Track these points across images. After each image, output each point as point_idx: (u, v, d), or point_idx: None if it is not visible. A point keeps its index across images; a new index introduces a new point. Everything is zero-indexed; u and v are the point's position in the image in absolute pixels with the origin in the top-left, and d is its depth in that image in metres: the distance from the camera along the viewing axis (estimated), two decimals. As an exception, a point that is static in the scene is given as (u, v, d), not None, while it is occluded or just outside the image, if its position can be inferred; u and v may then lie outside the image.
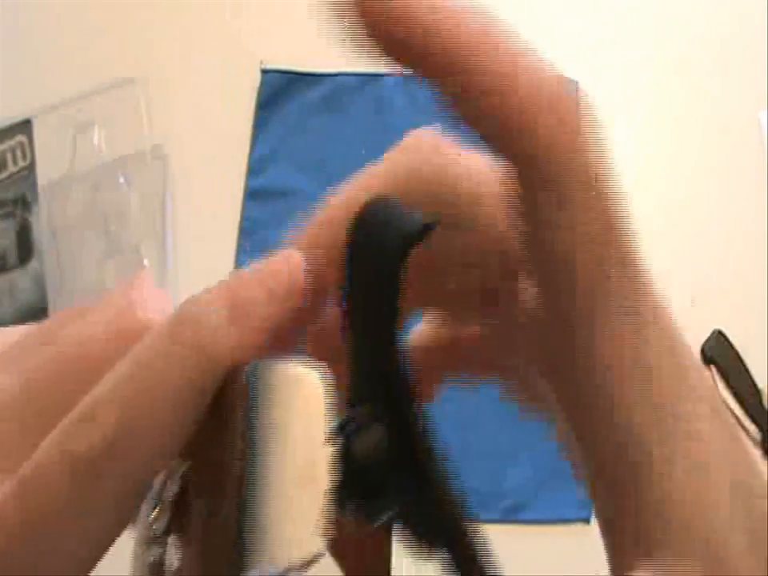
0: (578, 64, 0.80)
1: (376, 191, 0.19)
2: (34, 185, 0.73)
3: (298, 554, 0.15)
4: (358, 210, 0.18)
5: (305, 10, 0.86)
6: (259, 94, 0.80)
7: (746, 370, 0.69)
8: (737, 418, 0.68)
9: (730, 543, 0.18)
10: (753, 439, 0.68)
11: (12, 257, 0.71)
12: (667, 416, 0.18)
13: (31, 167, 0.73)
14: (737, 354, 0.69)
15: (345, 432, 0.16)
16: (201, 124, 0.80)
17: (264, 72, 0.81)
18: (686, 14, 0.83)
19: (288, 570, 0.15)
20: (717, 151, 0.78)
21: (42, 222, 0.72)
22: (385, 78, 0.80)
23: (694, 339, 0.70)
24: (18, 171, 0.74)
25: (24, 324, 0.64)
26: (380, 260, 0.16)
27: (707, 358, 0.70)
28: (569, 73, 0.75)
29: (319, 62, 0.81)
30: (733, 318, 0.71)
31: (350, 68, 0.80)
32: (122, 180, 0.76)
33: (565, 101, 0.19)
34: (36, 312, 0.69)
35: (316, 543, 0.15)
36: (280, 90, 0.80)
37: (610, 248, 0.19)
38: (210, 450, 0.17)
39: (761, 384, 0.69)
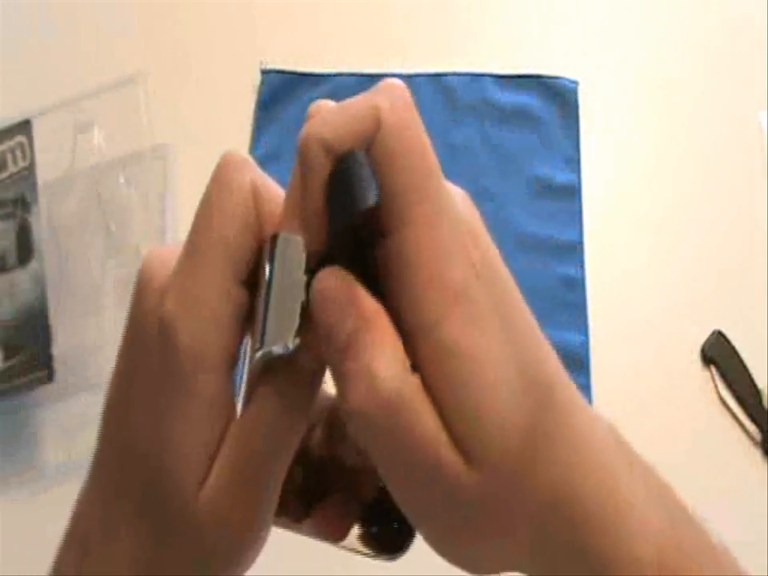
0: (578, 64, 0.80)
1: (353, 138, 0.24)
2: (34, 185, 0.73)
3: (288, 340, 0.25)
4: (334, 160, 0.25)
5: (305, 10, 0.87)
6: (259, 94, 0.80)
7: (746, 370, 0.69)
8: (737, 417, 0.68)
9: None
10: (753, 439, 0.68)
11: (12, 257, 0.71)
12: None
13: (31, 167, 0.73)
14: (737, 353, 0.69)
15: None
16: (201, 124, 0.80)
17: (264, 72, 0.81)
18: (687, 14, 0.83)
19: (283, 350, 0.25)
20: (717, 151, 0.77)
21: (42, 222, 0.72)
22: (385, 78, 0.80)
23: (694, 339, 0.70)
24: (18, 171, 0.74)
25: (24, 321, 0.65)
26: (340, 219, 0.24)
27: (707, 358, 0.70)
28: (568, 73, 0.75)
29: (319, 62, 0.81)
30: (733, 317, 0.71)
31: (350, 68, 0.80)
32: (122, 180, 0.76)
33: None
34: (36, 312, 0.69)
35: (296, 338, 0.25)
36: (280, 90, 0.80)
37: None
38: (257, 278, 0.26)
39: (761, 384, 0.69)
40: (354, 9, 0.84)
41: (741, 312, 0.72)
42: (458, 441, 0.23)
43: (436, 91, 0.79)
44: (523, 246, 0.74)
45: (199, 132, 0.80)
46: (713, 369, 0.69)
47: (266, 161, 0.78)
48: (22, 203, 0.72)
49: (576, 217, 0.75)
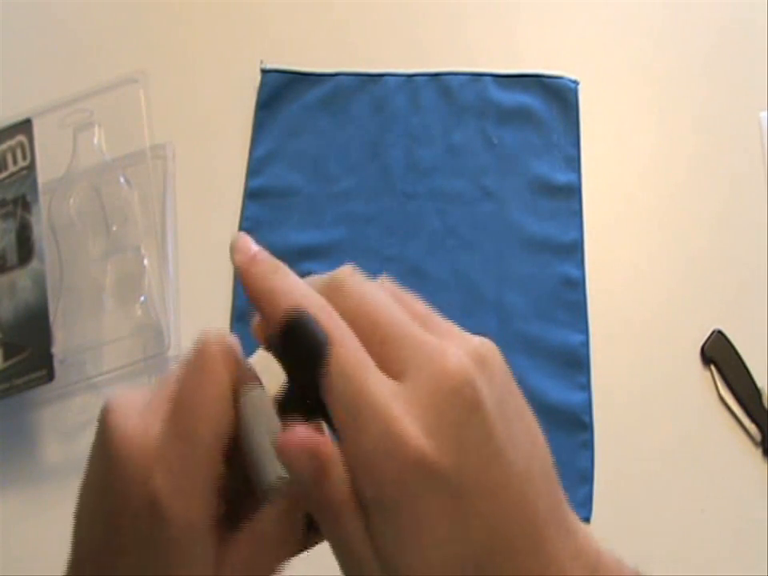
0: (578, 64, 0.80)
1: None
2: (34, 185, 0.73)
3: (279, 474, 0.28)
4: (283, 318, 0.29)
5: (305, 10, 0.87)
6: (259, 94, 0.80)
7: (746, 370, 0.69)
8: (737, 417, 0.68)
9: None
10: (753, 439, 0.68)
11: (12, 257, 0.71)
12: None
13: (31, 167, 0.73)
14: (737, 353, 0.69)
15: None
16: (201, 124, 0.80)
17: (264, 72, 0.81)
18: (687, 14, 0.83)
19: (278, 482, 0.28)
20: (717, 151, 0.77)
21: (42, 222, 0.72)
22: (385, 77, 0.80)
23: (694, 339, 0.70)
24: (18, 171, 0.74)
25: (24, 321, 0.66)
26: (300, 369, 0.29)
27: (707, 358, 0.70)
28: (569, 73, 0.75)
29: (319, 62, 0.81)
30: (733, 317, 0.71)
31: (350, 68, 0.80)
32: (122, 180, 0.76)
33: None
34: (36, 312, 0.69)
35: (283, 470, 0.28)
36: (280, 90, 0.80)
37: None
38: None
39: (761, 384, 0.69)
40: (354, 9, 0.84)
41: (741, 312, 0.72)
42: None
43: (436, 91, 0.79)
44: (523, 246, 0.74)
45: (199, 132, 0.80)
46: (713, 369, 0.69)
47: (265, 161, 0.78)
48: (22, 203, 0.72)
49: (576, 217, 0.75)
